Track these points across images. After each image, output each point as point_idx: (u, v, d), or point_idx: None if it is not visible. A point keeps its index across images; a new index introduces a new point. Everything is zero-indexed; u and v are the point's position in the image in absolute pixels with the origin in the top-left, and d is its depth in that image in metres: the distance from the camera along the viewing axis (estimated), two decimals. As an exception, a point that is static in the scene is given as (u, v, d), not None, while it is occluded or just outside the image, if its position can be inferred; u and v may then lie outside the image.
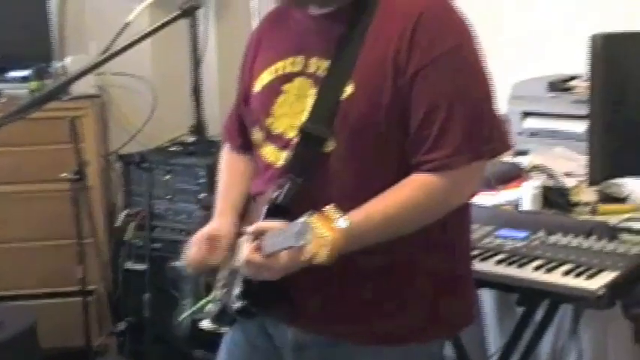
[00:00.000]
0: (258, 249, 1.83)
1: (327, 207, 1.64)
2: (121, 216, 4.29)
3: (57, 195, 3.97)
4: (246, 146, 2.21)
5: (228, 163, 2.28)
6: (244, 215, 2.13)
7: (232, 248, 2.03)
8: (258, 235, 1.84)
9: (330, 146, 1.90)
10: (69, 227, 3.83)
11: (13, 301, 4.23)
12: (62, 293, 4.26)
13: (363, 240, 1.80)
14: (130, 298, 4.28)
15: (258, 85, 2.08)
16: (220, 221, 2.12)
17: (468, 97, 1.88)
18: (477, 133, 1.88)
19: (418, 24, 1.86)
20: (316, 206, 1.67)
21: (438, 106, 1.85)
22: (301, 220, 1.66)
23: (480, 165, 1.94)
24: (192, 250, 2.08)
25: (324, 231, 1.61)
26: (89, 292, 3.97)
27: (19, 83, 4.29)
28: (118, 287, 4.36)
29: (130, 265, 4.25)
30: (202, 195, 3.98)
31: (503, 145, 1.95)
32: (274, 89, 2.02)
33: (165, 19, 1.80)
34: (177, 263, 3.98)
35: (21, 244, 4.31)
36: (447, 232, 1.97)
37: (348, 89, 1.89)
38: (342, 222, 1.62)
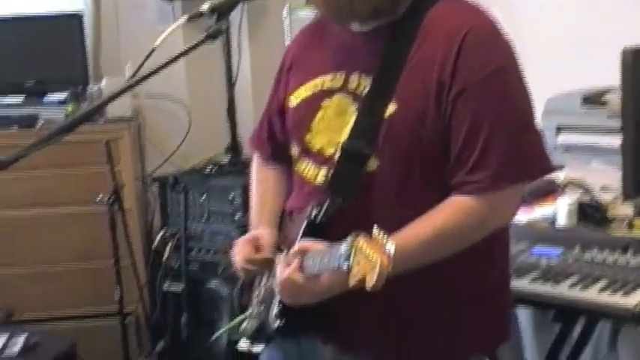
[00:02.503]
0: (300, 269, 1.82)
1: (375, 229, 1.61)
2: (158, 238, 4.31)
3: (94, 217, 3.99)
4: (275, 155, 2.21)
5: (260, 177, 2.27)
6: (279, 231, 2.12)
7: (271, 261, 2.02)
8: (301, 254, 1.84)
9: (372, 165, 1.89)
10: (106, 249, 3.84)
11: (52, 323, 4.26)
12: (100, 315, 4.29)
13: (402, 265, 1.75)
14: (167, 319, 4.29)
15: (295, 100, 2.07)
16: (259, 228, 2.12)
17: (511, 118, 1.86)
18: (518, 156, 1.85)
19: (463, 45, 1.85)
20: (356, 226, 1.65)
21: (481, 127, 1.83)
22: (347, 241, 1.63)
23: (520, 188, 1.92)
24: (237, 254, 2.08)
25: (373, 255, 1.56)
26: (127, 314, 3.98)
27: (56, 107, 4.33)
28: (155, 309, 4.37)
29: (167, 286, 4.26)
30: (238, 215, 3.99)
31: (545, 168, 1.92)
32: (313, 105, 2.01)
33: (192, 44, 1.81)
34: (213, 284, 4.01)
35: (58, 267, 4.34)
36: (486, 252, 1.94)
37: (391, 108, 1.87)
38: (390, 246, 1.57)
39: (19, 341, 3.81)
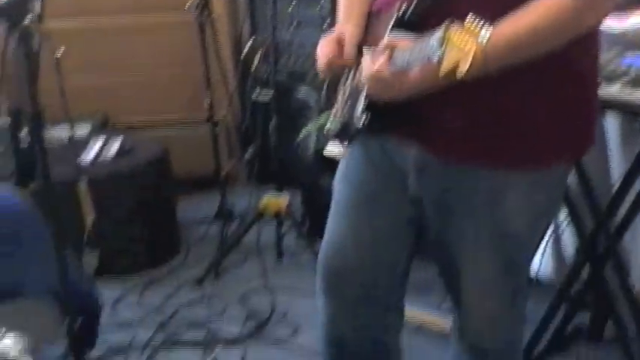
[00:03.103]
0: (388, 63, 1.78)
1: (469, 17, 1.55)
2: (247, 47, 4.32)
3: (183, 26, 4.01)
4: None
5: None
6: (365, 32, 2.06)
7: (357, 60, 1.98)
8: (389, 49, 1.79)
9: None
10: (196, 57, 3.89)
11: (145, 130, 4.39)
12: (191, 122, 4.39)
13: (496, 60, 1.71)
14: (256, 126, 4.35)
15: None
16: (345, 26, 2.08)
17: None
18: None
19: None
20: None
21: None
22: (438, 32, 1.55)
23: None
24: (321, 52, 2.06)
25: (466, 43, 1.50)
26: (217, 121, 4.06)
27: None
28: (245, 117, 4.45)
29: (256, 95, 4.31)
30: (326, 23, 3.97)
31: None
32: None
33: None
34: (301, 92, 4.04)
35: (149, 74, 4.43)
36: (575, 53, 1.89)
37: None
38: (485, 33, 1.50)
39: (114, 146, 3.95)
